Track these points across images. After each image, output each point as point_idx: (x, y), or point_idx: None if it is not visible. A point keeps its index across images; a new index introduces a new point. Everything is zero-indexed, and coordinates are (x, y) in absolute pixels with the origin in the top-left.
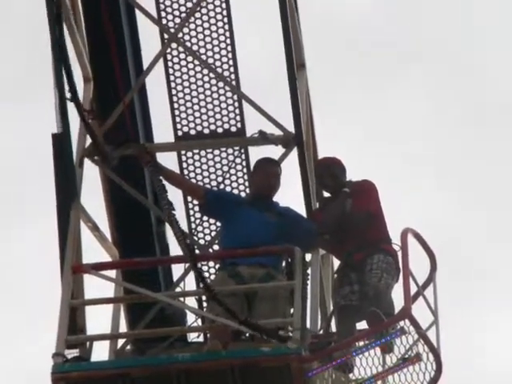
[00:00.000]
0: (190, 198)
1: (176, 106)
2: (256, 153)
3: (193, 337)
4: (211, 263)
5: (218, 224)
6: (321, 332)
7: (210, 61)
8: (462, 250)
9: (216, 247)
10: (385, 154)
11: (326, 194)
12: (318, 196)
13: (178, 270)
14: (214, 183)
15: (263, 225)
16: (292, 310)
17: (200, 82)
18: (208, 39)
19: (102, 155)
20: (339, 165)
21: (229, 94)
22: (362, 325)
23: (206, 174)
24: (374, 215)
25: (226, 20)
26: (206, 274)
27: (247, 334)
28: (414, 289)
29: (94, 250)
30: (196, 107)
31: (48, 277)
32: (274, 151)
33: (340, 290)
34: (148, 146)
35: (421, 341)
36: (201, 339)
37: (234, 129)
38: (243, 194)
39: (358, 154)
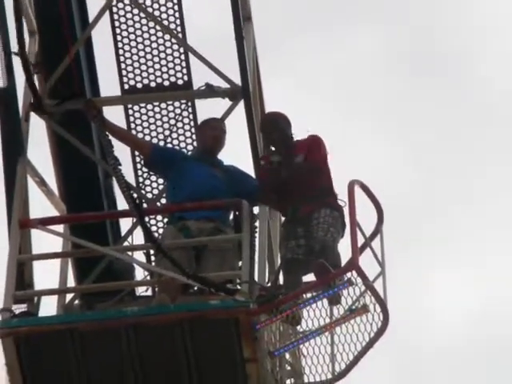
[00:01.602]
0: (137, 153)
1: (122, 59)
2: (203, 106)
3: (141, 291)
4: (159, 217)
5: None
6: (269, 285)
7: (157, 13)
8: (410, 207)
9: (164, 201)
10: (333, 107)
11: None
12: (265, 149)
13: (126, 224)
14: (161, 137)
15: (210, 178)
16: (240, 263)
17: (146, 35)
18: None
19: (44, 111)
20: (285, 119)
21: (175, 47)
22: (309, 278)
23: (153, 127)
24: (319, 167)
25: None
26: (154, 228)
27: (195, 288)
28: (361, 240)
29: (41, 205)
30: (142, 60)
31: None
32: (220, 104)
33: (287, 243)
34: (94, 100)
35: (368, 292)
36: (149, 293)
37: (180, 82)
38: (190, 148)
39: (306, 105)
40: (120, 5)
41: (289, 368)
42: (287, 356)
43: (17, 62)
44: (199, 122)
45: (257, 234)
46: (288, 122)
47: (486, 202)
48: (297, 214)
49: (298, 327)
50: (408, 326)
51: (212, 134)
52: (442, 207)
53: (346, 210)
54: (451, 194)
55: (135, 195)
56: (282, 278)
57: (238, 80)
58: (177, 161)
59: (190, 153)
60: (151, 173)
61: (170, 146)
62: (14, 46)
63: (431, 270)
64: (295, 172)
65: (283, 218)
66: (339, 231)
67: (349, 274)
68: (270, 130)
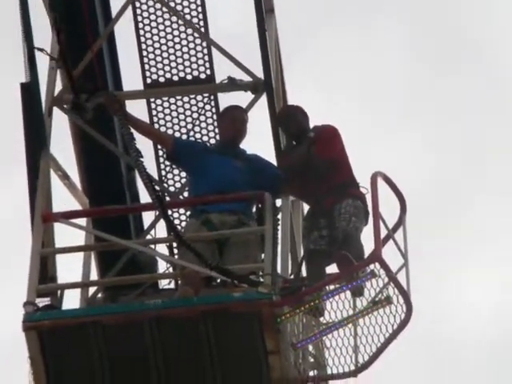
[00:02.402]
0: (159, 146)
1: (145, 53)
2: (225, 100)
3: (164, 284)
4: (182, 211)
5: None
6: (292, 277)
7: (179, 8)
8: (434, 195)
9: (186, 195)
10: (357, 102)
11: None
12: (286, 143)
13: (148, 217)
14: (183, 130)
15: (232, 171)
16: (263, 256)
17: (169, 29)
18: None
19: (79, 107)
20: (302, 112)
21: (198, 41)
22: (332, 269)
23: (175, 121)
24: (338, 160)
25: None
26: (177, 222)
27: (218, 280)
28: (384, 232)
29: (64, 199)
30: (165, 54)
31: (18, 226)
32: (243, 97)
33: (310, 235)
34: (117, 94)
35: (391, 284)
36: (172, 286)
37: (203, 76)
38: (213, 141)
39: (328, 99)
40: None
41: (312, 360)
42: (310, 348)
43: (39, 56)
44: (221, 110)
45: (279, 227)
46: (305, 114)
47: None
48: (319, 206)
49: (321, 319)
50: (439, 319)
51: (232, 125)
52: (468, 198)
53: (368, 198)
54: (477, 185)
55: (158, 188)
56: (305, 269)
57: (260, 73)
58: (199, 153)
59: (212, 144)
60: (174, 166)
61: (192, 139)
62: (37, 41)
63: (460, 261)
64: (315, 167)
65: (305, 210)
66: (362, 220)
67: (372, 266)
68: (287, 123)
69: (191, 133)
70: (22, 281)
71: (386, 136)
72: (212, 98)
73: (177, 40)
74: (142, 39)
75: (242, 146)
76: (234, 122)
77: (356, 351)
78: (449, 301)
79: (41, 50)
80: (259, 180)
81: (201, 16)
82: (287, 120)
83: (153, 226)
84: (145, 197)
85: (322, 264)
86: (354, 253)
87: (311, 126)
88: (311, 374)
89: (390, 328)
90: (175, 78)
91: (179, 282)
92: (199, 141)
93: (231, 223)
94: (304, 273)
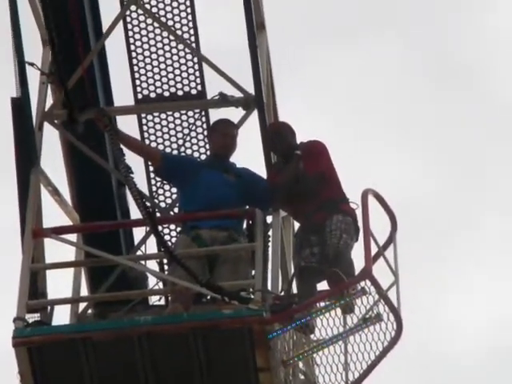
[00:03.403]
0: (149, 162)
1: (136, 68)
2: (216, 115)
3: (154, 300)
4: (172, 226)
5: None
6: (282, 294)
7: (170, 23)
8: (423, 211)
9: (177, 210)
10: (345, 115)
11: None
12: (276, 159)
13: (139, 233)
14: (174, 146)
15: (223, 186)
16: (253, 272)
17: (160, 45)
18: (167, 1)
19: (72, 121)
20: (289, 128)
21: (189, 57)
22: (323, 286)
23: (166, 136)
24: (326, 175)
25: None
26: (168, 238)
27: (208, 297)
28: (374, 249)
29: (54, 215)
30: (156, 70)
31: (8, 241)
32: (234, 113)
33: (300, 251)
34: (107, 109)
35: (381, 301)
36: (162, 302)
37: (194, 91)
38: (204, 157)
39: (319, 115)
40: (134, 15)
41: (302, 377)
42: (300, 365)
43: (30, 71)
44: (211, 124)
45: (270, 243)
46: (292, 131)
47: (509, 212)
48: (310, 222)
49: (312, 336)
50: (431, 337)
51: (223, 140)
52: (465, 217)
53: (358, 213)
54: (474, 205)
55: (148, 204)
56: (296, 286)
57: (251, 89)
58: (188, 169)
59: (203, 158)
60: (164, 182)
61: (181, 154)
62: (28, 55)
63: (453, 278)
64: (304, 183)
65: (296, 227)
66: (352, 236)
67: (362, 283)
68: (275, 142)
69: (182, 148)
70: (11, 296)
71: (381, 151)
72: (203, 113)
73: (168, 55)
74: (133, 54)
75: (233, 159)
76: (224, 136)
77: (346, 368)
78: (441, 319)
79: (31, 64)
80: (250, 194)
81: (192, 31)
82: (275, 138)
83: (143, 241)
84: (135, 212)
85: (312, 281)
86: (344, 270)
87: (299, 142)
88: None
89: (381, 345)
90: (166, 94)
91: (169, 298)
92: (188, 155)
93: (222, 239)
94: (295, 290)
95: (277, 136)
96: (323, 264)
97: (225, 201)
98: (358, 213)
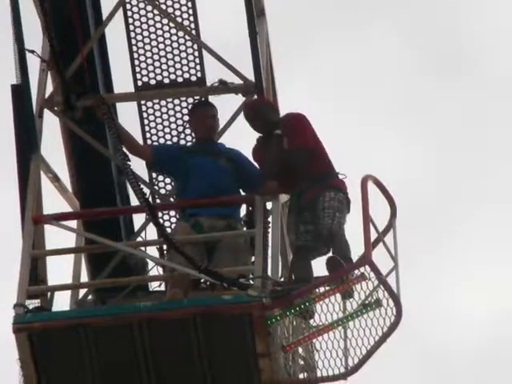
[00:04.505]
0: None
1: (136, 55)
2: (216, 102)
3: (154, 286)
4: (172, 213)
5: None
6: (282, 279)
7: (170, 10)
8: (423, 197)
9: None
10: (346, 101)
11: None
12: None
13: (139, 219)
14: (174, 133)
15: (218, 173)
16: (253, 259)
17: (160, 32)
18: None
19: (68, 106)
20: (268, 104)
21: (189, 44)
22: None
23: (166, 123)
24: (313, 149)
25: None
26: (167, 224)
27: (207, 283)
28: (374, 235)
29: (54, 201)
30: (156, 57)
31: (8, 228)
32: (234, 100)
33: (295, 228)
34: (107, 96)
35: (381, 286)
36: (162, 288)
37: (194, 78)
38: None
39: (320, 102)
40: (134, 1)
41: (302, 362)
42: (300, 350)
43: (30, 58)
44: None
45: (270, 229)
46: (271, 107)
47: (509, 200)
48: (302, 199)
49: (311, 321)
50: (432, 324)
51: (203, 123)
52: (465, 203)
53: (347, 183)
54: (475, 193)
55: (146, 190)
56: (291, 263)
57: (251, 76)
58: (180, 157)
59: (190, 144)
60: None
61: (182, 141)
62: (28, 43)
63: (456, 266)
64: (292, 161)
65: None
66: (345, 213)
67: (362, 269)
68: (252, 118)
69: (182, 135)
70: (11, 282)
71: (381, 137)
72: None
73: (168, 42)
74: (133, 41)
75: (230, 145)
76: (204, 119)
77: (346, 354)
78: (440, 304)
79: (31, 51)
80: (244, 180)
81: (192, 18)
82: (253, 115)
83: (143, 228)
84: (136, 199)
85: (308, 258)
86: (340, 251)
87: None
88: (301, 376)
89: (380, 331)
90: (166, 81)
91: (168, 284)
92: (178, 143)
93: (221, 228)
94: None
95: (253, 113)
96: (317, 243)
97: (221, 188)
98: (347, 184)
